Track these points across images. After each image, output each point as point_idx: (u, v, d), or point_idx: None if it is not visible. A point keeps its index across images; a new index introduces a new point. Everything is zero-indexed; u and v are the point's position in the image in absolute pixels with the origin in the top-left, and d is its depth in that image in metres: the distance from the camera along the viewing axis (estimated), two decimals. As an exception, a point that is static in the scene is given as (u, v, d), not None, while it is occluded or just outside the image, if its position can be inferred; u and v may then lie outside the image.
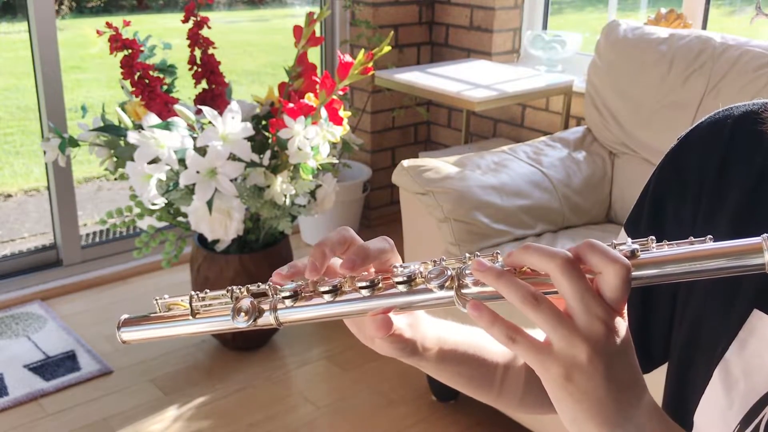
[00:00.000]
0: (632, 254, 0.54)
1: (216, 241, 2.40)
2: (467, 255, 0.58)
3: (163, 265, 2.39)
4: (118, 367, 2.48)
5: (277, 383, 2.44)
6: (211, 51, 2.42)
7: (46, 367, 2.45)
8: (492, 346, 0.74)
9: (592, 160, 2.47)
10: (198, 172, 2.12)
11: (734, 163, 0.69)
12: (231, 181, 2.17)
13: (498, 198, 2.14)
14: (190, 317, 0.63)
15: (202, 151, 2.16)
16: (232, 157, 2.16)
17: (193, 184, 2.14)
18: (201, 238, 2.50)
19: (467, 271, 0.56)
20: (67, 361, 2.49)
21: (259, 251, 2.47)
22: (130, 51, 2.28)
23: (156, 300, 0.64)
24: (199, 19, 2.40)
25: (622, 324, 0.54)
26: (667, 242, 0.55)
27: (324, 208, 2.46)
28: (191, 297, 0.63)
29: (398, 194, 2.24)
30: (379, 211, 3.58)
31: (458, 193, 2.07)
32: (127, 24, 2.30)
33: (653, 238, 0.55)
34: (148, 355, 2.55)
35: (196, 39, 2.41)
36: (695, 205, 0.70)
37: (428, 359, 0.67)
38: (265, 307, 0.61)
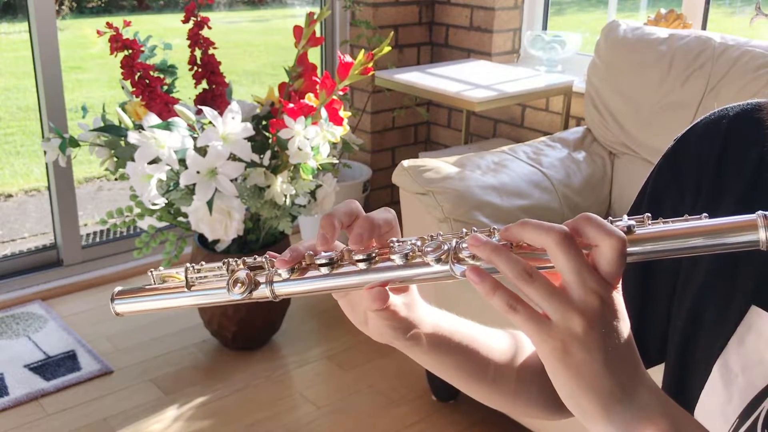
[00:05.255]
0: (628, 230, 0.54)
1: (216, 241, 2.40)
2: (464, 230, 0.58)
3: (163, 265, 2.39)
4: (118, 367, 2.48)
5: (277, 383, 2.44)
6: (211, 51, 2.43)
7: (46, 367, 2.46)
8: (487, 341, 0.73)
9: (592, 160, 2.47)
10: (198, 172, 2.13)
11: (731, 158, 0.70)
12: (231, 181, 2.17)
13: (498, 198, 2.15)
14: (185, 289, 0.62)
15: (202, 151, 2.16)
16: (233, 157, 2.16)
17: (194, 184, 2.15)
18: (201, 238, 2.50)
19: (464, 245, 0.56)
20: (67, 361, 2.49)
21: (260, 251, 2.47)
22: (130, 51, 2.28)
23: (151, 272, 0.63)
24: (199, 19, 2.40)
25: (617, 298, 0.55)
26: (663, 219, 0.56)
27: (324, 208, 2.46)
28: (186, 268, 0.62)
29: (398, 194, 2.24)
30: (379, 211, 3.57)
31: (458, 193, 2.07)
32: (127, 24, 2.30)
33: (649, 215, 0.56)
34: (148, 355, 2.55)
35: (196, 39, 2.41)
36: (694, 203, 0.71)
37: (422, 344, 0.66)
38: (261, 279, 0.60)
